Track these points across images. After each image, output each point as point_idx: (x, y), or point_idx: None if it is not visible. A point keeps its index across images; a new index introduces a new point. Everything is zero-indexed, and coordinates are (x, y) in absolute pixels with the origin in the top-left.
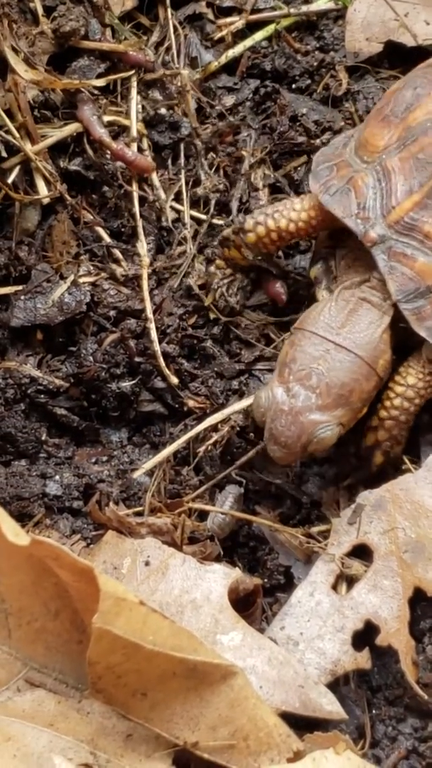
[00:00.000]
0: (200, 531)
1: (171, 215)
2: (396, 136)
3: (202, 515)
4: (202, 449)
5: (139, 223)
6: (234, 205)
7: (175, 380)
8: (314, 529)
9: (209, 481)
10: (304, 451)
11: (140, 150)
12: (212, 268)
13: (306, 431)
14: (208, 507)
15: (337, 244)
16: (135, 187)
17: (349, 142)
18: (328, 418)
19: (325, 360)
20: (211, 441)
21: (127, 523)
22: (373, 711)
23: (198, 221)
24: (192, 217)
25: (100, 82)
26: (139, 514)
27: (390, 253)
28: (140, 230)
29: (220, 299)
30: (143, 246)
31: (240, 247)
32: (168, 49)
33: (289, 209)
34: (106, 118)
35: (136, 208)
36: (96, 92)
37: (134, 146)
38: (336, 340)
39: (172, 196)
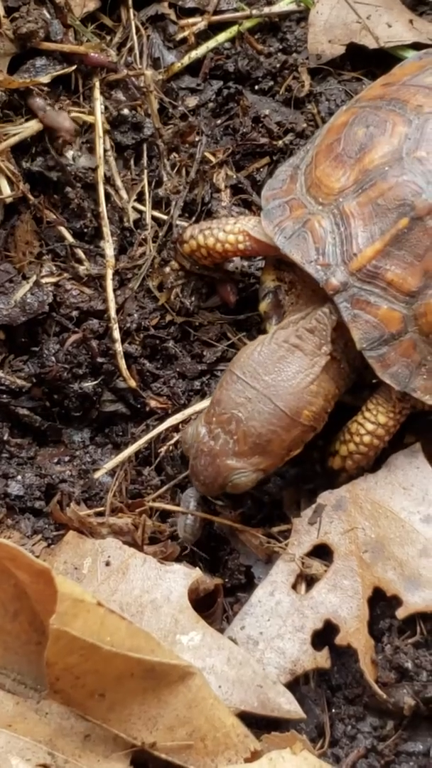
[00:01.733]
0: (161, 531)
1: (133, 216)
2: (352, 178)
3: (164, 515)
4: (163, 449)
5: (105, 222)
6: (179, 203)
7: (133, 383)
8: (275, 529)
9: (170, 481)
10: (222, 489)
11: (105, 151)
12: (167, 269)
13: (222, 474)
14: (169, 506)
15: (282, 277)
16: (101, 187)
17: (297, 175)
18: (244, 465)
19: (245, 407)
20: (172, 441)
21: (88, 524)
22: (333, 710)
23: (160, 222)
24: (154, 218)
25: (47, 79)
26: (101, 514)
27: (353, 300)
28: (106, 230)
29: (175, 300)
30: (109, 246)
31: (182, 255)
32: (131, 50)
33: (219, 229)
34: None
35: (102, 208)
36: (45, 90)
37: (99, 146)
38: (258, 388)
39: (134, 197)
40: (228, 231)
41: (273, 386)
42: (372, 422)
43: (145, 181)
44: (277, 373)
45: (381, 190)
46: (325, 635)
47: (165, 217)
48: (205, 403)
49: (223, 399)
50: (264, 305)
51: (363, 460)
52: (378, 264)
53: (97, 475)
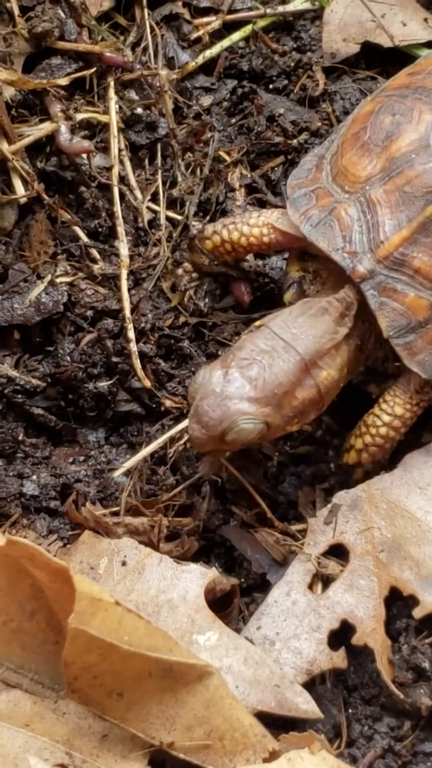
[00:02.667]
0: (183, 525)
1: (147, 216)
2: (379, 166)
3: (179, 513)
4: (173, 449)
5: (120, 222)
6: (194, 201)
7: (148, 383)
8: (292, 528)
9: (186, 481)
10: (221, 439)
11: (119, 150)
12: (180, 271)
13: (229, 417)
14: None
15: (307, 267)
16: (115, 186)
17: (323, 165)
18: (254, 412)
19: (270, 355)
20: (186, 439)
21: (104, 523)
22: (350, 710)
23: (175, 222)
24: (168, 218)
25: (65, 81)
26: (116, 513)
27: (380, 288)
28: (120, 230)
29: (188, 302)
30: (124, 246)
31: (201, 252)
32: (145, 50)
33: (243, 223)
34: (81, 116)
35: (117, 208)
36: (63, 92)
37: (114, 146)
38: (286, 338)
39: (148, 197)
40: (252, 224)
41: (300, 339)
42: (389, 414)
43: (160, 181)
44: (306, 328)
45: (408, 178)
46: (341, 635)
47: (179, 217)
48: None
49: (247, 346)
50: (289, 295)
51: (379, 453)
52: (405, 251)
53: (114, 475)
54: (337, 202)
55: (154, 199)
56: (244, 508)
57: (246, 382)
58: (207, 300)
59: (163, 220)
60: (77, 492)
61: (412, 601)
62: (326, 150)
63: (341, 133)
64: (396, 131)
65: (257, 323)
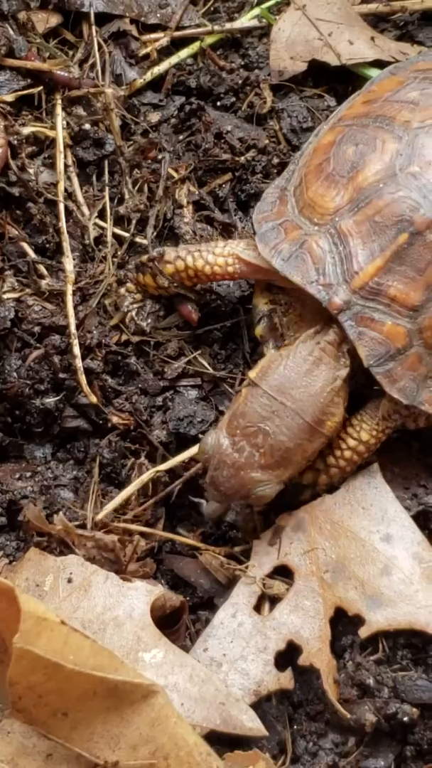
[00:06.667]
0: (143, 549)
1: (94, 232)
2: (347, 197)
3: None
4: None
5: (65, 238)
6: (151, 223)
7: (94, 399)
8: (236, 549)
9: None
10: (241, 500)
11: (66, 166)
12: (122, 290)
13: (245, 486)
14: (144, 529)
15: (277, 300)
16: (61, 202)
17: (286, 197)
18: (269, 477)
19: (272, 421)
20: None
21: (75, 535)
22: (294, 726)
23: (121, 240)
24: (115, 235)
25: (11, 98)
26: (82, 527)
27: (357, 318)
28: (66, 246)
29: (130, 322)
30: (69, 262)
31: (155, 275)
32: (92, 66)
33: (208, 251)
34: (28, 130)
35: (62, 224)
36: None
37: (60, 162)
38: (286, 403)
39: (95, 214)
40: (218, 254)
41: (301, 401)
42: (354, 438)
43: (107, 198)
44: (304, 387)
45: (378, 208)
46: (287, 655)
47: (126, 234)
48: (188, 453)
49: (248, 412)
50: (260, 329)
51: (338, 475)
52: (380, 281)
53: (100, 516)
54: (307, 235)
55: (101, 215)
56: (189, 528)
57: (254, 451)
58: (149, 320)
59: (109, 237)
60: (33, 502)
61: (358, 619)
62: (287, 182)
63: (303, 164)
64: (361, 161)
65: (251, 375)
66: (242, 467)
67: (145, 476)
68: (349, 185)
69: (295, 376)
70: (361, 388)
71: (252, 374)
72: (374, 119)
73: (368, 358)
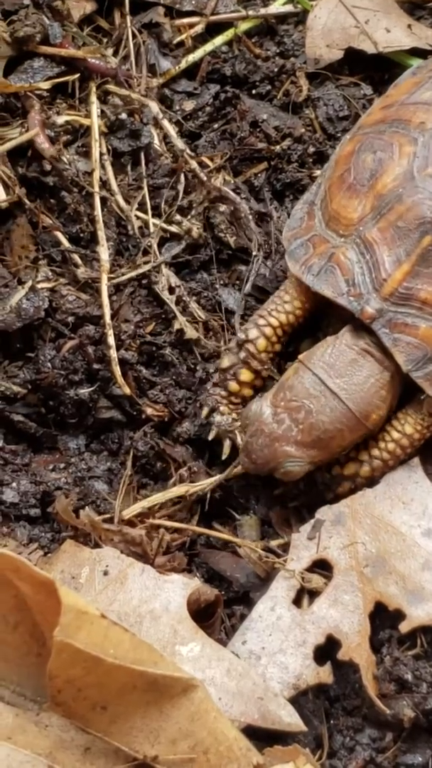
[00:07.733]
0: (173, 540)
1: (138, 222)
2: (369, 206)
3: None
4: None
5: (101, 227)
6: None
7: (128, 390)
8: (273, 543)
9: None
10: (269, 473)
11: (101, 156)
12: (218, 418)
13: (276, 458)
14: (173, 524)
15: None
16: (96, 191)
17: (314, 211)
18: (301, 455)
19: (317, 400)
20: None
21: (101, 529)
22: (331, 721)
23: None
24: (148, 226)
25: (46, 85)
26: (108, 521)
27: (391, 325)
28: (101, 235)
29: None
30: (104, 251)
31: (249, 365)
32: (126, 57)
33: (280, 303)
34: (63, 119)
35: (98, 213)
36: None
37: (96, 151)
38: (331, 387)
39: (136, 205)
40: (290, 300)
41: (345, 389)
42: (398, 431)
43: (145, 188)
44: (349, 376)
45: (399, 213)
46: (326, 649)
47: (160, 222)
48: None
49: (296, 386)
50: (305, 346)
51: (380, 468)
52: (409, 285)
53: (127, 515)
54: (335, 247)
55: (140, 205)
56: (224, 524)
57: (293, 425)
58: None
59: (152, 227)
60: (65, 494)
61: (396, 614)
62: (315, 195)
63: (327, 176)
64: (379, 168)
65: (300, 357)
66: (278, 439)
67: (180, 490)
68: (370, 193)
69: (339, 364)
70: (409, 387)
71: (301, 356)
72: (390, 124)
73: (406, 363)
